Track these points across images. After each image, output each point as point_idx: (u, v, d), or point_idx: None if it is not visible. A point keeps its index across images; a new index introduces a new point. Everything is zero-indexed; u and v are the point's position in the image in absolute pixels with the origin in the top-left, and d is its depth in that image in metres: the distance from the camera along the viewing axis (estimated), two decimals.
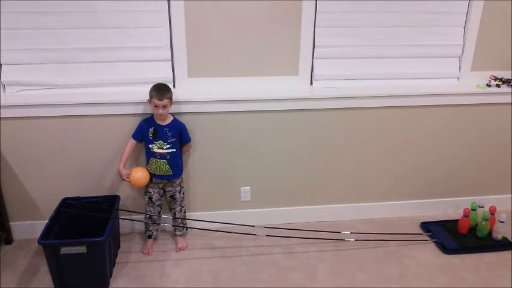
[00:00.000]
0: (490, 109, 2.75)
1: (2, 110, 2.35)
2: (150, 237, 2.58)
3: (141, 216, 2.60)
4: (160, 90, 2.29)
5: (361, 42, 2.62)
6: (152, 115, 2.40)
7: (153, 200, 2.51)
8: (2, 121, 2.38)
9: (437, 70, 2.74)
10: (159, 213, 2.58)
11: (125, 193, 2.62)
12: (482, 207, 2.73)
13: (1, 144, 2.43)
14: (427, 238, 2.71)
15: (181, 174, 2.55)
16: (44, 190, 2.56)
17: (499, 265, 2.47)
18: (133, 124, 2.44)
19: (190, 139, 2.50)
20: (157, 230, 2.63)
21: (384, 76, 2.71)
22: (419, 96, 2.65)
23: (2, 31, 2.31)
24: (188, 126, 2.48)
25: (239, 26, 2.46)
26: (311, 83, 2.66)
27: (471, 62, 2.72)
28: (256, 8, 2.44)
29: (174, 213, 2.60)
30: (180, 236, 2.63)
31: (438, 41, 2.67)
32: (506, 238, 2.67)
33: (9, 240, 2.60)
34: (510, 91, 2.70)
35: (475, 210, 2.72)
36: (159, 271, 2.39)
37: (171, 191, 2.53)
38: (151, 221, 2.56)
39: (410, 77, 2.73)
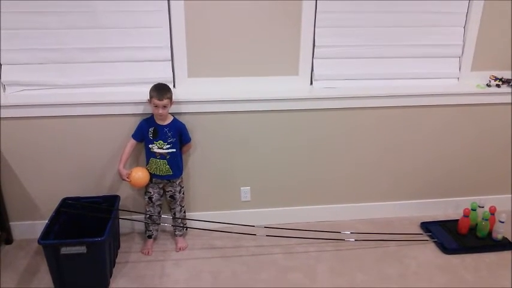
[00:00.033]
0: (490, 109, 2.75)
1: (2, 110, 2.35)
2: (150, 237, 2.59)
3: (141, 216, 2.60)
4: (160, 90, 2.29)
5: (361, 42, 2.62)
6: (152, 115, 2.40)
7: (153, 200, 2.51)
8: (2, 121, 2.38)
9: (437, 70, 2.74)
10: (159, 213, 2.58)
11: (124, 193, 2.62)
12: (482, 207, 2.73)
13: (1, 144, 2.43)
14: (427, 238, 2.71)
15: (181, 174, 2.55)
16: (44, 190, 2.56)
17: (499, 265, 2.47)
18: (133, 124, 2.44)
19: (190, 139, 2.50)
20: (157, 230, 2.63)
21: (383, 76, 2.71)
22: (419, 96, 2.65)
23: (2, 31, 2.31)
24: (188, 126, 2.48)
25: (239, 26, 2.46)
26: (311, 83, 2.66)
27: (471, 62, 2.73)
28: (256, 8, 2.44)
29: (174, 213, 2.60)
30: (180, 236, 2.63)
31: (438, 41, 2.67)
32: (506, 238, 2.67)
33: (9, 240, 2.60)
34: (510, 91, 2.70)
35: (475, 210, 2.72)
36: (159, 271, 2.39)
37: (171, 191, 2.53)
38: (151, 221, 2.56)
39: (410, 77, 2.73)
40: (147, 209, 2.54)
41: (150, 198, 2.51)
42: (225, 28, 2.45)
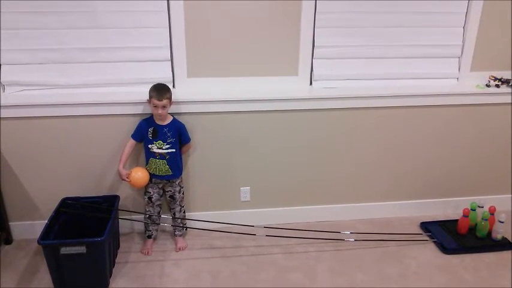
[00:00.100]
0: (489, 109, 2.75)
1: (2, 110, 2.35)
2: (149, 237, 2.59)
3: (141, 216, 2.60)
4: (160, 91, 2.30)
5: (360, 43, 2.62)
6: (152, 115, 2.40)
7: (152, 200, 2.51)
8: (2, 121, 2.38)
9: (437, 70, 2.74)
10: (159, 213, 2.58)
11: (124, 193, 2.62)
12: (482, 207, 2.73)
13: (1, 144, 2.43)
14: (427, 238, 2.71)
15: (181, 174, 2.55)
16: (44, 190, 2.56)
17: (499, 265, 2.47)
18: (133, 124, 2.44)
19: (189, 139, 2.50)
20: (156, 230, 2.63)
21: (383, 76, 2.71)
22: (419, 97, 2.65)
23: (2, 31, 2.31)
24: (188, 126, 2.48)
25: (239, 26, 2.47)
26: (310, 83, 2.66)
27: (470, 62, 2.73)
28: (256, 8, 2.44)
29: (174, 213, 2.60)
30: (180, 236, 2.63)
31: (438, 41, 2.67)
32: (505, 238, 2.67)
33: (9, 240, 2.60)
34: (510, 91, 2.70)
35: (474, 210, 2.72)
36: (159, 271, 2.39)
37: (170, 191, 2.53)
38: (151, 221, 2.56)
39: (410, 77, 2.73)
40: (147, 209, 2.54)
41: (149, 198, 2.51)
42: (225, 28, 2.46)
